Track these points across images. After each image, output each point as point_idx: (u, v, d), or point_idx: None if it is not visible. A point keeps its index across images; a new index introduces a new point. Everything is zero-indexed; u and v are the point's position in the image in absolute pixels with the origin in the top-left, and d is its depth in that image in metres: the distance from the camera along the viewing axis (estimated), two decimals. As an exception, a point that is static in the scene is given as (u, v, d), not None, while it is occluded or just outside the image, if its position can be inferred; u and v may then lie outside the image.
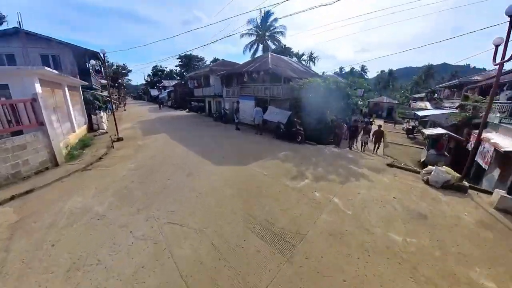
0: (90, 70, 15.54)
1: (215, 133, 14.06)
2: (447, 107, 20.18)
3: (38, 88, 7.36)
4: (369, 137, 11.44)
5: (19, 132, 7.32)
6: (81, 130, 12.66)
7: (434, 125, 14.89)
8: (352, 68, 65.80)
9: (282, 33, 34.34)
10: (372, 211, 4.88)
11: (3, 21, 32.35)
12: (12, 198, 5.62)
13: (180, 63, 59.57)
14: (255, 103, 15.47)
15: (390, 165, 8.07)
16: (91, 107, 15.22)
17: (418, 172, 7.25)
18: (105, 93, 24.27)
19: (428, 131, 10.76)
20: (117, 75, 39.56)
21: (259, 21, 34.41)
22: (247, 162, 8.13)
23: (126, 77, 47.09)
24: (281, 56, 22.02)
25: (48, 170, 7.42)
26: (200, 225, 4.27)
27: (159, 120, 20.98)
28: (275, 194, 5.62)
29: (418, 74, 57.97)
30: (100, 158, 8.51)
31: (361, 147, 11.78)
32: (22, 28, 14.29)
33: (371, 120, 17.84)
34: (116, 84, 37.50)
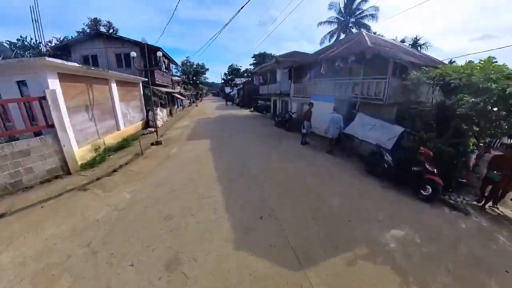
0: (155, 66, 15.41)
1: (269, 149, 9.74)
2: None
3: (53, 84, 6.31)
4: None
5: (40, 134, 6.60)
6: (132, 127, 12.36)
7: None
8: (470, 61, 46.46)
9: (373, 16, 27.16)
10: None
11: (117, 32, 40.04)
12: (-26, 224, 4.41)
13: (254, 61, 59.68)
14: (334, 106, 10.10)
15: None
16: (151, 103, 15.17)
17: None
18: (177, 90, 25.55)
19: None
20: (196, 73, 42.80)
21: (341, 5, 28.67)
22: (306, 253, 3.50)
23: (203, 75, 50.81)
24: (379, 36, 15.49)
25: (57, 179, 6.36)
26: None
27: (217, 120, 19.74)
28: None
29: None
30: (114, 171, 7.01)
31: None
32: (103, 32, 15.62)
33: None
34: (191, 81, 40.57)
